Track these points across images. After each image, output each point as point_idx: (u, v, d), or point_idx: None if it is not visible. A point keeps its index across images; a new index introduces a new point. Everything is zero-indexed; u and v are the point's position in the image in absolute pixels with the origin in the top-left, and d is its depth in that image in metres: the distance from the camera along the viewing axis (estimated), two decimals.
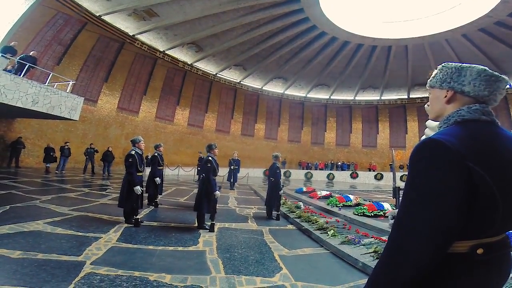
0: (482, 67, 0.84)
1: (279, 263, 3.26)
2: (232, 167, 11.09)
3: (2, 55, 8.81)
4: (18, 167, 11.49)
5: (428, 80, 0.96)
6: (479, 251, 0.70)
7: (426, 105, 1.00)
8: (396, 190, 1.33)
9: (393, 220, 0.97)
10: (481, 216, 0.69)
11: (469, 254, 0.71)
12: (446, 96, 0.88)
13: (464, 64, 0.87)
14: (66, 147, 11.85)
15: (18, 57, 9.36)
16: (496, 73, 0.83)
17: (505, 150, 0.73)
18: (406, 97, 24.78)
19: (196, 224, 4.66)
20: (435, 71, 0.94)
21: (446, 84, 0.88)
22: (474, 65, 0.86)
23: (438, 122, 0.90)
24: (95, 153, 12.65)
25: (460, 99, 0.85)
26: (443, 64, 0.92)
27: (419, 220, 0.67)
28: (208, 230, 4.45)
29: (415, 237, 0.66)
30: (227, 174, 11.32)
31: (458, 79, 0.85)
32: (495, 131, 0.78)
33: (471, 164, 0.66)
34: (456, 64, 0.88)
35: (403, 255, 0.67)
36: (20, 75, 8.84)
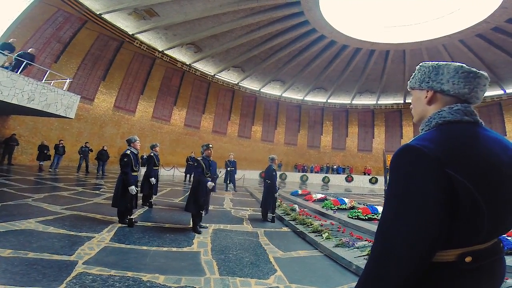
0: (459, 64, 0.82)
1: (273, 265, 3.25)
2: (228, 168, 11.05)
3: (0, 52, 8.73)
4: (10, 164, 11.34)
5: (408, 82, 0.94)
6: (468, 259, 0.68)
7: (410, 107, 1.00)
8: None
9: None
10: (466, 223, 0.66)
11: (457, 262, 0.68)
12: (426, 97, 0.85)
13: (441, 62, 0.85)
14: (61, 145, 11.74)
15: (16, 54, 9.29)
16: (474, 69, 0.80)
17: (487, 152, 0.70)
18: (402, 102, 25.03)
19: (191, 225, 4.62)
20: (414, 72, 0.92)
21: (425, 84, 0.86)
22: (451, 62, 0.84)
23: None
24: (89, 152, 12.54)
25: (441, 99, 0.83)
26: (420, 64, 0.90)
27: (400, 230, 0.65)
28: (201, 233, 4.40)
29: (397, 246, 0.65)
30: (223, 176, 11.29)
31: (436, 78, 0.83)
32: (478, 132, 0.75)
33: (451, 171, 0.64)
34: (433, 62, 0.86)
35: (387, 264, 0.66)
36: (17, 72, 8.77)
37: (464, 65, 0.81)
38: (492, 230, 0.71)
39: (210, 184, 4.59)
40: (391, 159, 0.73)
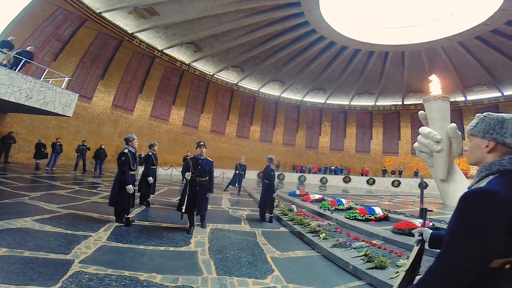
0: None
1: (271, 265, 3.25)
2: (237, 171, 10.93)
3: None
4: (7, 162, 11.27)
5: (469, 128, 1.06)
6: (507, 266, 0.84)
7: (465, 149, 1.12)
8: (423, 210, 1.41)
9: (420, 237, 1.25)
10: None
11: (498, 268, 0.84)
12: (487, 146, 0.98)
13: (506, 115, 0.97)
14: (58, 143, 11.68)
15: (15, 52, 9.24)
16: None
17: None
18: (400, 103, 25.11)
19: (188, 225, 4.60)
20: (475, 121, 1.05)
21: (489, 135, 0.97)
22: None
23: (478, 168, 1.01)
24: (87, 150, 12.48)
25: (500, 149, 0.96)
26: (484, 115, 1.02)
27: (464, 256, 0.82)
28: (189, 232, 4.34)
29: (464, 261, 0.83)
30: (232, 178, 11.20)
31: (501, 131, 0.95)
32: None
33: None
34: (497, 115, 0.98)
35: (446, 280, 0.84)
36: (15, 70, 8.72)
37: None
38: None
39: (187, 174, 4.51)
40: (469, 194, 0.88)
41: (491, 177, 0.94)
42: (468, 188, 0.99)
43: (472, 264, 0.82)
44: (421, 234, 1.26)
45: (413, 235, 4.84)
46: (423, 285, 0.90)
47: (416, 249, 1.26)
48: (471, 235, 0.83)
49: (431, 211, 1.39)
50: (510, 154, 0.94)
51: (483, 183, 0.94)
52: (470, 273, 0.82)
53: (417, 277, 1.19)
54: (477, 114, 1.07)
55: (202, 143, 4.78)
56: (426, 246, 1.27)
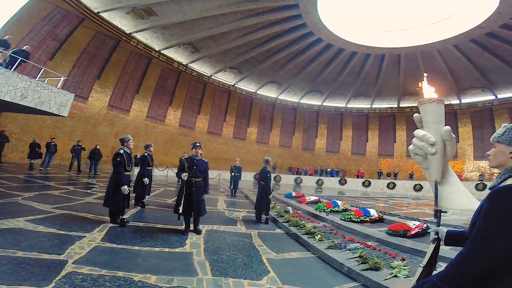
0: None
1: (266, 267, 3.25)
2: (233, 173, 10.91)
3: None
4: (0, 162, 11.12)
5: (496, 136, 1.22)
6: None
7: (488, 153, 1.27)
8: (437, 212, 1.48)
9: (436, 235, 1.37)
10: None
11: None
12: (511, 153, 1.14)
13: None
14: (53, 143, 11.57)
15: (11, 51, 9.16)
16: None
17: None
18: (396, 106, 25.33)
19: (183, 226, 4.58)
20: (502, 129, 1.21)
21: None
22: None
23: (500, 170, 1.18)
24: (82, 150, 12.37)
25: None
26: (511, 125, 1.20)
27: (496, 242, 0.97)
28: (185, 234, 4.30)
29: (490, 252, 0.97)
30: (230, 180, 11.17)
31: None
32: None
33: None
34: None
35: (478, 261, 0.99)
36: (11, 69, 8.64)
37: None
38: None
39: (184, 175, 4.46)
40: (501, 189, 1.04)
41: None
42: (490, 188, 1.13)
43: (503, 248, 0.96)
44: (437, 233, 1.37)
45: (407, 237, 4.83)
46: (456, 265, 1.04)
47: (432, 247, 1.35)
48: (504, 224, 0.97)
49: (445, 212, 1.47)
50: None
51: (508, 182, 1.08)
52: (501, 254, 0.97)
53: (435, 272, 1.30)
54: (503, 124, 1.23)
55: (198, 144, 4.76)
56: (442, 243, 1.36)
